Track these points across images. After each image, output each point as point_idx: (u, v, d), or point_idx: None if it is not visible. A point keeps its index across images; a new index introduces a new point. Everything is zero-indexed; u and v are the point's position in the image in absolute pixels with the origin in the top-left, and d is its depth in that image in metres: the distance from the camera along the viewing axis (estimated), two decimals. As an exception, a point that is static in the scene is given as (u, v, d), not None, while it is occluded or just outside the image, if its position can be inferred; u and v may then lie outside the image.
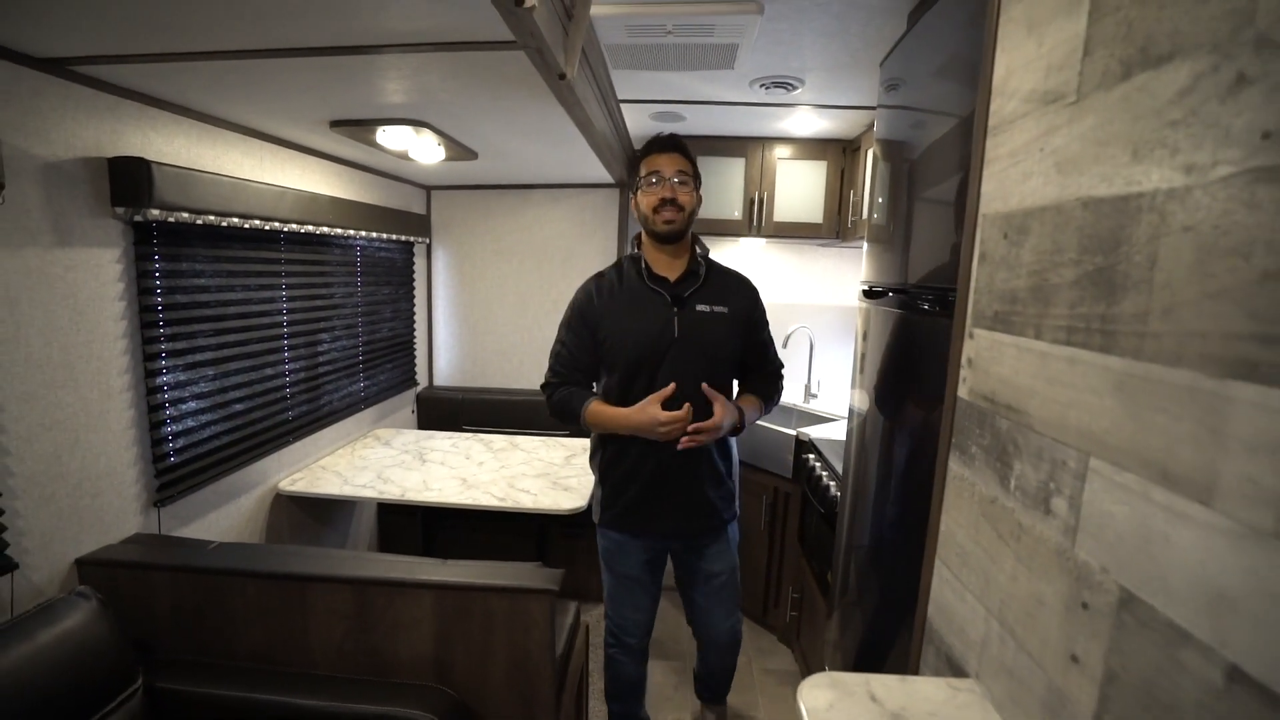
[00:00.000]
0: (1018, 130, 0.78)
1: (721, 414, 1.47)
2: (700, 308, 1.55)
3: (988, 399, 0.82)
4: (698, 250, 1.60)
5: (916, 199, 1.26)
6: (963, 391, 0.90)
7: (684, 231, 1.55)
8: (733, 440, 1.68)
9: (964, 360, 0.90)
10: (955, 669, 0.87)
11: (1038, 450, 0.71)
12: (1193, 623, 0.50)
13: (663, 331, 1.53)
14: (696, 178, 1.57)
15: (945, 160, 1.13)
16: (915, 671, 0.99)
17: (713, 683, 1.88)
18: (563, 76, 1.35)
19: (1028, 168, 0.75)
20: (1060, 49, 0.70)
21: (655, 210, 1.51)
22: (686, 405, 1.45)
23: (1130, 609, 0.56)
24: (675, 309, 1.54)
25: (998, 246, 0.82)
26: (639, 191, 1.55)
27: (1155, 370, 0.55)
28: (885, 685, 0.81)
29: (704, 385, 1.47)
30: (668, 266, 1.57)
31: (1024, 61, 0.77)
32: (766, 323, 1.68)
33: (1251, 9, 0.46)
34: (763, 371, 1.68)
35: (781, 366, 1.72)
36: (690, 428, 1.44)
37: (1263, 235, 0.45)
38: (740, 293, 1.62)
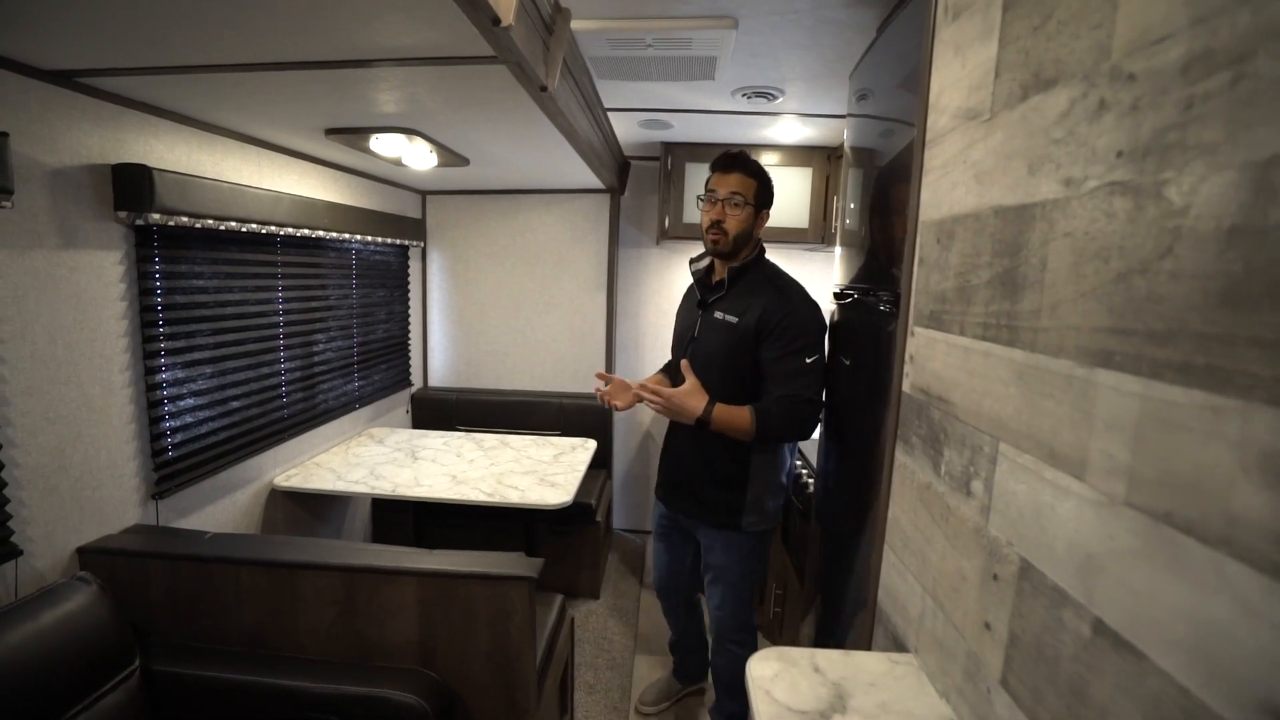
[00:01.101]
0: (948, 143, 0.85)
1: (683, 389, 1.50)
2: (717, 314, 1.63)
3: (924, 392, 0.89)
4: (743, 259, 1.64)
5: (879, 205, 1.33)
6: (906, 386, 0.96)
7: (731, 250, 1.61)
8: (768, 457, 1.64)
9: (907, 356, 0.96)
10: (899, 646, 0.93)
11: (961, 437, 0.77)
12: (1070, 584, 0.56)
13: (687, 331, 1.72)
14: (762, 192, 1.62)
15: (902, 168, 1.19)
16: (868, 650, 1.05)
17: (714, 674, 1.93)
18: (544, 89, 1.42)
19: (955, 178, 0.82)
20: (978, 70, 0.77)
21: (707, 230, 1.62)
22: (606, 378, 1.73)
23: (1028, 577, 0.62)
24: (700, 312, 1.68)
25: (932, 251, 0.88)
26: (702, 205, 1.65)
27: (1044, 361, 0.61)
28: (829, 659, 0.87)
29: (683, 362, 1.51)
30: (719, 272, 1.69)
31: (952, 80, 0.84)
32: (789, 344, 1.52)
33: (1109, 44, 0.52)
34: (772, 393, 1.52)
35: (802, 395, 1.50)
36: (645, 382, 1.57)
37: (1117, 241, 0.51)
38: (761, 306, 1.55)
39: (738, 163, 1.61)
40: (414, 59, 1.29)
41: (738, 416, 1.50)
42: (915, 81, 1.22)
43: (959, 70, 0.82)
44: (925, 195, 0.92)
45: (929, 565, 0.85)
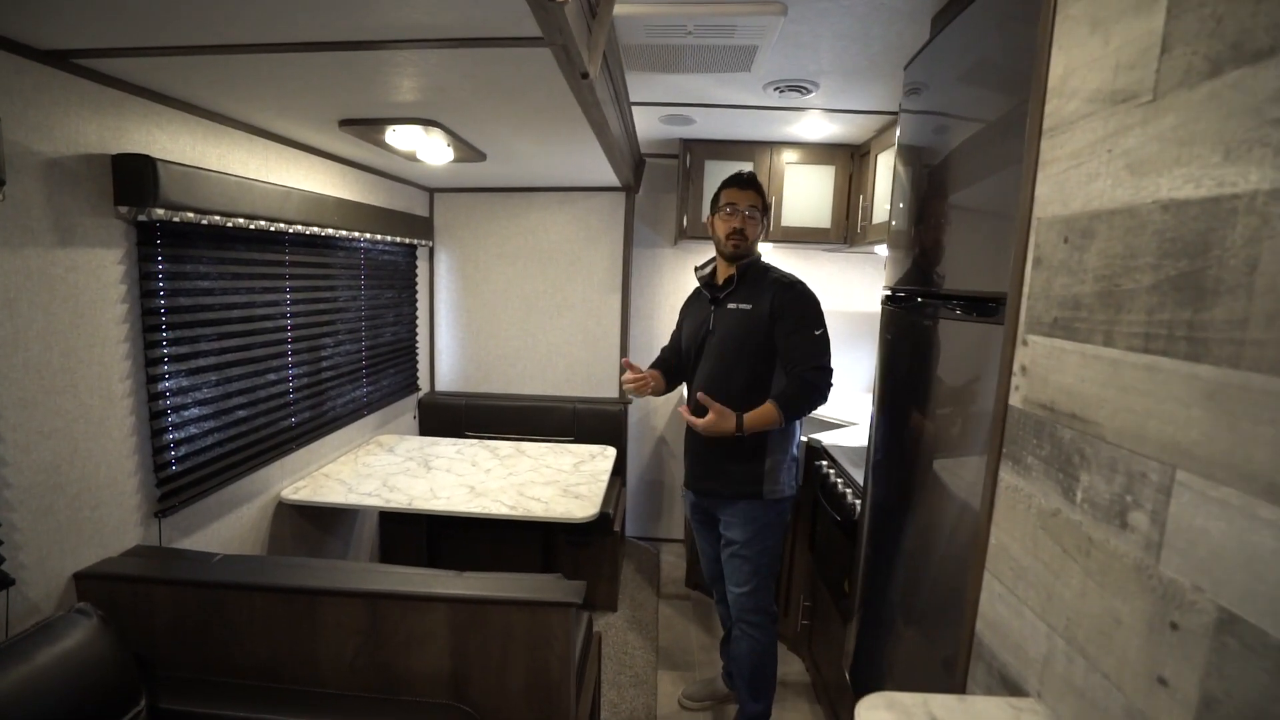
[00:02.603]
0: (1080, 131, 0.76)
1: (711, 418, 1.67)
2: (730, 305, 1.80)
3: (1046, 408, 0.80)
4: (749, 259, 1.82)
5: (947, 203, 1.24)
6: (1015, 400, 0.87)
7: (746, 254, 1.81)
8: (780, 431, 1.76)
9: (1017, 368, 0.87)
10: (1011, 687, 0.84)
11: (1110, 462, 0.68)
12: (1313, 648, 0.47)
13: (702, 325, 1.86)
14: (765, 210, 1.85)
15: (981, 163, 1.11)
16: (963, 688, 0.96)
17: (733, 665, 1.95)
18: (585, 76, 1.32)
19: (1092, 169, 0.73)
20: (1131, 47, 0.68)
21: (727, 236, 1.79)
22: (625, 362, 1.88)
23: (1232, 631, 0.53)
24: (713, 307, 1.84)
25: (1056, 251, 0.79)
26: (715, 216, 1.83)
27: (1257, 380, 0.52)
28: (944, 705, 0.78)
29: (699, 395, 1.71)
30: (724, 273, 1.85)
31: (1087, 60, 0.75)
32: (797, 321, 1.71)
33: (1381, -1, 0.44)
34: (788, 370, 1.72)
35: (813, 366, 1.69)
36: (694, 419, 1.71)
37: (1399, 238, 0.42)
38: (770, 293, 1.74)
39: (754, 182, 1.83)
40: (448, 40, 1.18)
41: (765, 415, 1.68)
42: (989, 72, 1.14)
43: (1098, 48, 0.73)
44: (1044, 190, 0.83)
45: (1059, 602, 0.76)
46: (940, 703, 0.78)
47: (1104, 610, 0.68)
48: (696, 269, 1.93)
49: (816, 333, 1.72)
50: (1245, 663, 0.52)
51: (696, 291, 1.97)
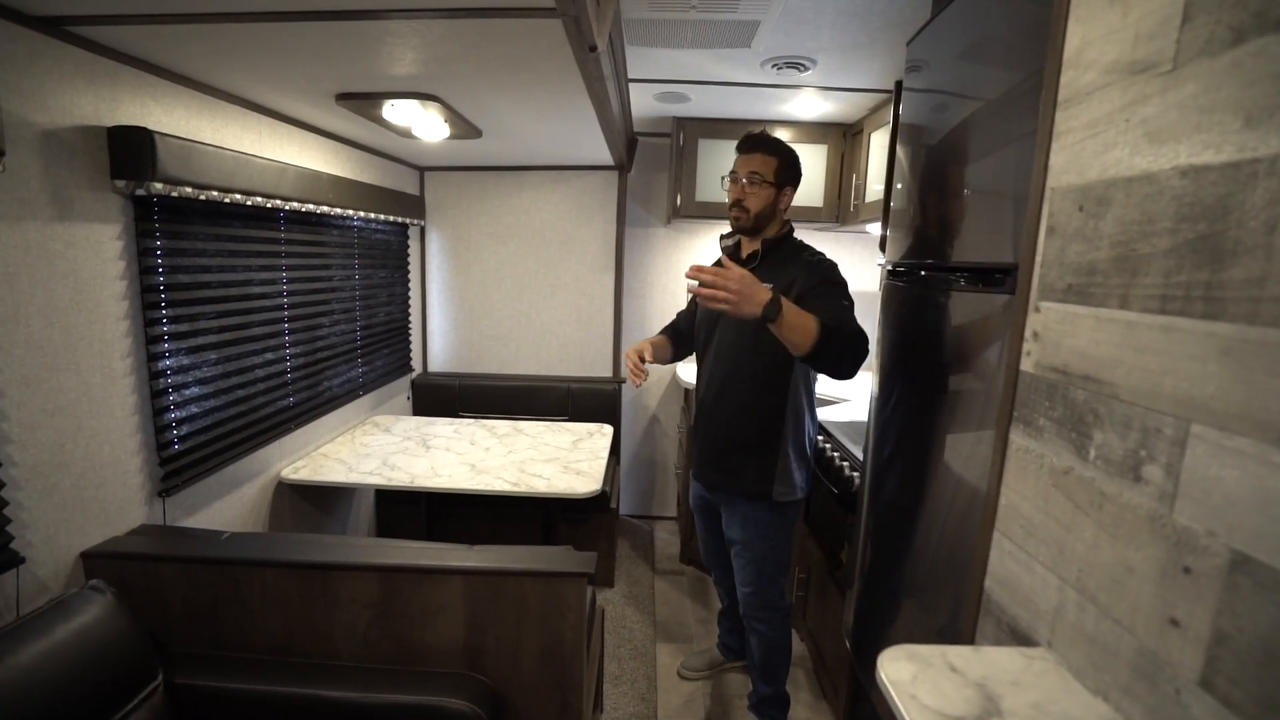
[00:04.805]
0: (1096, 102, 0.78)
1: (738, 276, 1.26)
2: None
3: (1059, 371, 0.83)
4: (775, 233, 1.68)
5: (951, 178, 1.26)
6: (1026, 365, 0.90)
7: (753, 227, 1.66)
8: (795, 425, 1.67)
9: (1028, 334, 0.90)
10: (1021, 639, 0.88)
11: (1124, 419, 0.71)
12: (1324, 581, 0.50)
13: None
14: (784, 170, 1.64)
15: (988, 138, 1.13)
16: (971, 642, 1.00)
17: (746, 652, 1.95)
18: (593, 49, 1.31)
19: (1109, 139, 0.75)
20: (1151, 17, 0.70)
21: (730, 208, 1.66)
22: (632, 352, 1.70)
23: (1244, 571, 0.57)
24: None
25: (1071, 219, 0.82)
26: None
27: (1274, 334, 0.55)
28: (961, 656, 0.82)
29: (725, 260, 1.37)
30: (748, 248, 1.72)
31: (1104, 32, 0.77)
32: (827, 290, 1.53)
33: (1407, -32, 0.46)
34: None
35: (848, 326, 1.44)
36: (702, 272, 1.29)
37: None
38: (794, 271, 1.59)
39: (759, 143, 1.65)
40: (457, 10, 1.17)
41: (806, 318, 1.34)
42: (997, 48, 1.16)
43: (1116, 20, 0.75)
44: (1058, 160, 0.85)
45: (1070, 555, 0.80)
46: (957, 653, 0.82)
47: (1116, 560, 0.72)
48: (721, 238, 1.75)
49: (845, 303, 1.53)
50: (1257, 599, 0.56)
51: (717, 263, 1.81)
